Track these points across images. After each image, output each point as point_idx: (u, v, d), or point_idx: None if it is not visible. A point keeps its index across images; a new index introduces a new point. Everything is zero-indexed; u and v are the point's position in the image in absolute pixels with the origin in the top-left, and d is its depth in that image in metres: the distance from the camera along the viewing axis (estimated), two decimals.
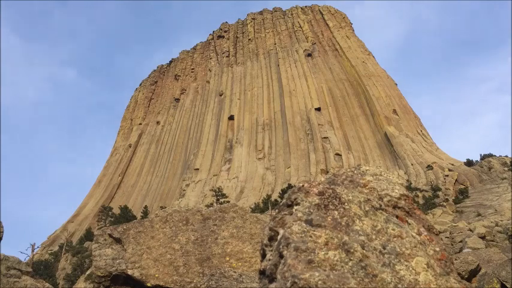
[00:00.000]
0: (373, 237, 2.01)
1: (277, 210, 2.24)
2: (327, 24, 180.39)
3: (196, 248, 6.55)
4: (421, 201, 77.58)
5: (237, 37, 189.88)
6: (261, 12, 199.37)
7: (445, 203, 73.26)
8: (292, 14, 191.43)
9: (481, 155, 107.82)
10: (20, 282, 6.57)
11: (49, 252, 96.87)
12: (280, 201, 2.29)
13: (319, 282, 1.70)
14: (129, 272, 6.29)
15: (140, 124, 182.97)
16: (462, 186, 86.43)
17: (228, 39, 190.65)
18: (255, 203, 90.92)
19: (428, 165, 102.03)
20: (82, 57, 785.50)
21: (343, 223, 2.02)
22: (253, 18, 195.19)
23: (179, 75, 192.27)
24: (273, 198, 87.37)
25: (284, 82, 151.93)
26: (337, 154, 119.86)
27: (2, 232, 7.07)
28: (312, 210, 2.07)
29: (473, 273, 14.14)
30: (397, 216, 2.25)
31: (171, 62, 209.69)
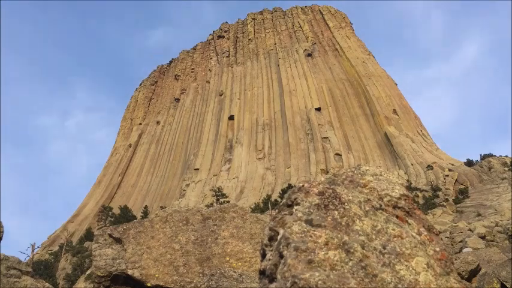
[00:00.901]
0: (373, 237, 2.01)
1: (277, 210, 2.24)
2: (327, 24, 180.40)
3: (196, 248, 6.55)
4: (421, 201, 77.56)
5: (237, 37, 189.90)
6: (261, 12, 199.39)
7: (445, 203, 73.24)
8: (292, 14, 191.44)
9: (481, 155, 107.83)
10: (20, 282, 6.57)
11: (49, 252, 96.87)
12: (280, 201, 2.29)
13: (319, 282, 1.70)
14: (129, 272, 6.29)
15: (140, 124, 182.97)
16: (462, 186, 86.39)
17: (228, 39, 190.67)
18: (255, 203, 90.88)
19: (428, 165, 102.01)
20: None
21: (343, 223, 2.02)
22: (253, 18, 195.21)
23: (179, 75, 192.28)
24: (273, 198, 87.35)
25: (284, 82, 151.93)
26: (337, 154, 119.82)
27: (2, 232, 7.07)
28: (312, 210, 2.07)
29: (473, 273, 14.14)
30: (397, 216, 2.25)
31: (171, 62, 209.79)
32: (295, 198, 2.18)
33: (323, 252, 1.83)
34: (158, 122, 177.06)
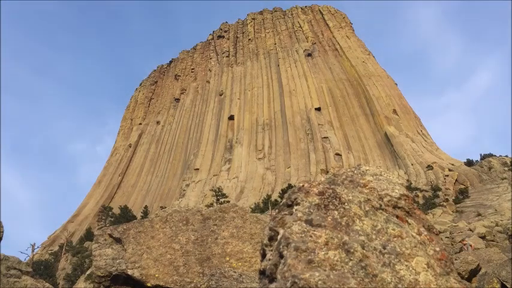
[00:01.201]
0: (373, 237, 2.01)
1: (277, 210, 2.24)
2: (327, 24, 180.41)
3: (196, 248, 6.55)
4: (421, 201, 77.56)
5: (237, 37, 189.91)
6: (261, 12, 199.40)
7: (445, 203, 73.25)
8: (292, 14, 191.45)
9: (481, 155, 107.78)
10: (20, 282, 6.57)
11: (49, 252, 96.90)
12: (280, 201, 2.29)
13: (319, 282, 1.70)
14: (129, 272, 6.29)
15: (140, 124, 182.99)
16: (462, 186, 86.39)
17: (228, 39, 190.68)
18: (255, 203, 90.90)
19: (429, 165, 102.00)
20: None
21: (343, 223, 2.02)
22: (253, 18, 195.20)
23: (179, 75, 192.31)
24: (273, 198, 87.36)
25: (284, 82, 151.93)
26: (337, 154, 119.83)
27: (2, 232, 7.07)
28: (312, 210, 2.07)
29: (473, 273, 14.14)
30: (397, 216, 2.25)
31: (171, 62, 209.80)
32: (295, 198, 2.18)
33: (323, 252, 1.83)
34: (158, 122, 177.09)
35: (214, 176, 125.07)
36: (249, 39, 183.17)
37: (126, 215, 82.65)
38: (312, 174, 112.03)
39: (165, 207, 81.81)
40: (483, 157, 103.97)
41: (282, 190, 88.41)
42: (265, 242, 2.11)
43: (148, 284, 6.18)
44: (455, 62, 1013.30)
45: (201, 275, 6.23)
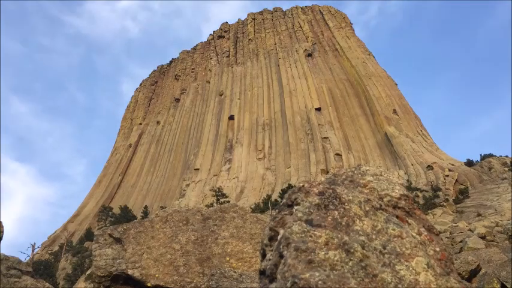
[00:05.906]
0: (373, 237, 2.01)
1: (277, 210, 2.24)
2: (327, 24, 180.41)
3: (197, 248, 6.55)
4: (421, 201, 77.51)
5: (237, 37, 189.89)
6: (261, 13, 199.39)
7: (445, 203, 73.21)
8: (292, 14, 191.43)
9: (481, 155, 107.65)
10: (20, 282, 6.57)
11: (49, 252, 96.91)
12: (281, 201, 2.29)
13: (319, 282, 1.70)
14: (130, 272, 6.29)
15: (140, 124, 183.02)
16: (462, 187, 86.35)
17: (228, 39, 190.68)
18: (255, 203, 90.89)
19: (429, 165, 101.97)
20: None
21: (343, 223, 2.02)
22: (254, 18, 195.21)
23: (179, 75, 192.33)
24: (273, 198, 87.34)
25: (284, 82, 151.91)
26: (337, 154, 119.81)
27: (2, 232, 7.07)
28: (312, 210, 2.07)
29: (473, 274, 14.14)
30: (397, 216, 2.25)
31: (171, 62, 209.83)
32: (295, 198, 2.18)
33: (323, 252, 1.83)
34: (158, 122, 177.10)
35: (214, 176, 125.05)
36: (249, 40, 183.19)
37: (126, 215, 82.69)
38: (312, 174, 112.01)
39: (165, 207, 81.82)
40: (483, 157, 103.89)
41: (282, 190, 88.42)
42: (265, 242, 2.12)
43: (149, 284, 6.18)
44: None
45: (201, 275, 6.23)
